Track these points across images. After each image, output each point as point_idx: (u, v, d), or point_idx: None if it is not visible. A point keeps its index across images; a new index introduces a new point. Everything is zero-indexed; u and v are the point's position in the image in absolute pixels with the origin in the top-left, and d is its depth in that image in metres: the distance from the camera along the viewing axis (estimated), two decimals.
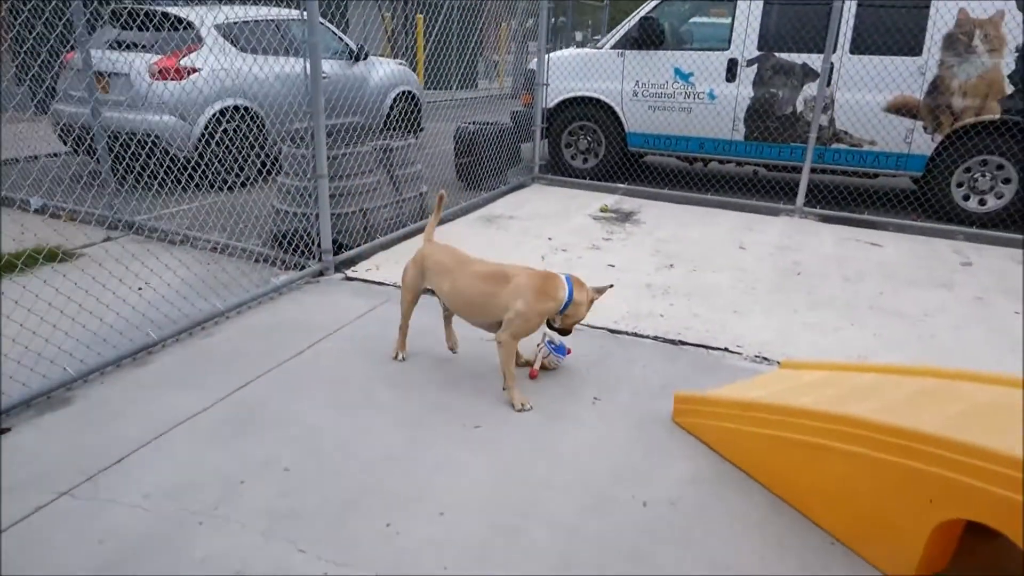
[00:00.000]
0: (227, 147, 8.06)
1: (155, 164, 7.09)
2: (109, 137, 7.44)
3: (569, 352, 4.30)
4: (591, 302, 4.00)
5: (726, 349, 4.63)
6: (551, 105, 9.74)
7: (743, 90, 8.76)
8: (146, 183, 7.43)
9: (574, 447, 3.51)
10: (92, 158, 7.02)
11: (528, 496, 3.14)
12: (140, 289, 4.99)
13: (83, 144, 7.87)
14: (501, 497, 3.12)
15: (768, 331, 4.95)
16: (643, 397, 4.01)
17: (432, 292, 4.13)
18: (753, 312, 5.30)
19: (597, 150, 9.78)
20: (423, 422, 3.68)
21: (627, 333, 4.85)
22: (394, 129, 10.57)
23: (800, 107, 8.57)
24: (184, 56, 7.85)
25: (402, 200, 6.89)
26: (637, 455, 3.46)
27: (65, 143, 8.23)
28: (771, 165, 9.09)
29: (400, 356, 4.27)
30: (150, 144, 7.57)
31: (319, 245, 5.69)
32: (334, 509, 3.01)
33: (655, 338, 4.79)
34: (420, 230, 6.99)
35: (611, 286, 4.17)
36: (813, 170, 8.26)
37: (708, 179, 9.34)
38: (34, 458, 3.27)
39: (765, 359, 4.51)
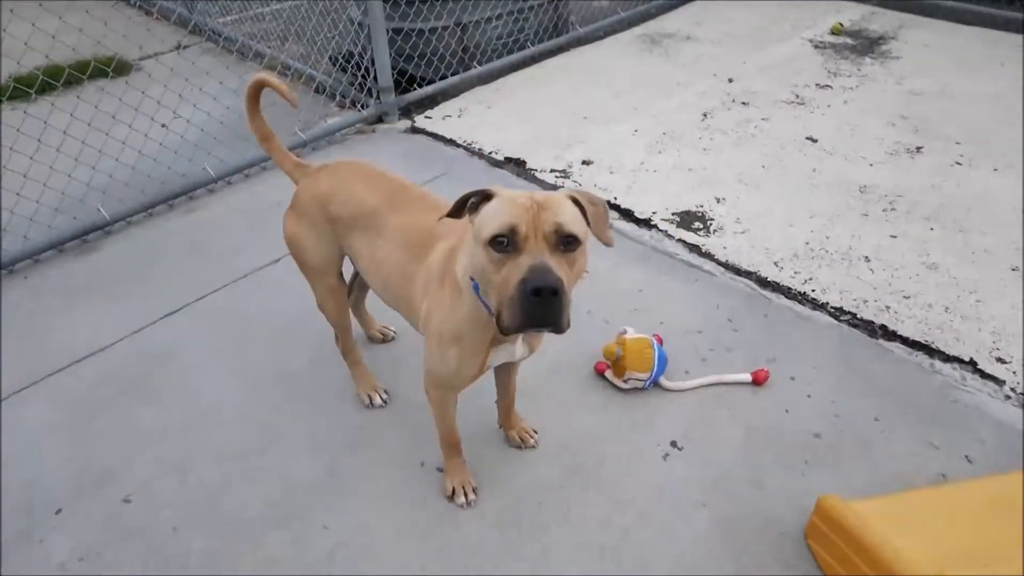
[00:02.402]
0: None
1: None
2: None
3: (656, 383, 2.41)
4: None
5: (972, 364, 2.46)
6: None
7: None
8: None
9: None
10: None
11: None
12: (164, 126, 3.82)
13: None
14: None
15: None
16: (768, 458, 2.16)
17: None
18: None
19: None
20: (351, 457, 2.24)
21: (788, 291, 2.81)
22: None
23: None
24: None
25: (526, 8, 4.83)
26: None
27: None
28: None
29: (378, 399, 2.36)
30: None
31: (375, 78, 4.06)
32: None
33: (837, 312, 2.71)
34: (550, 54, 4.99)
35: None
36: None
37: None
38: None
39: None
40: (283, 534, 1.96)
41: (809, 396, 2.35)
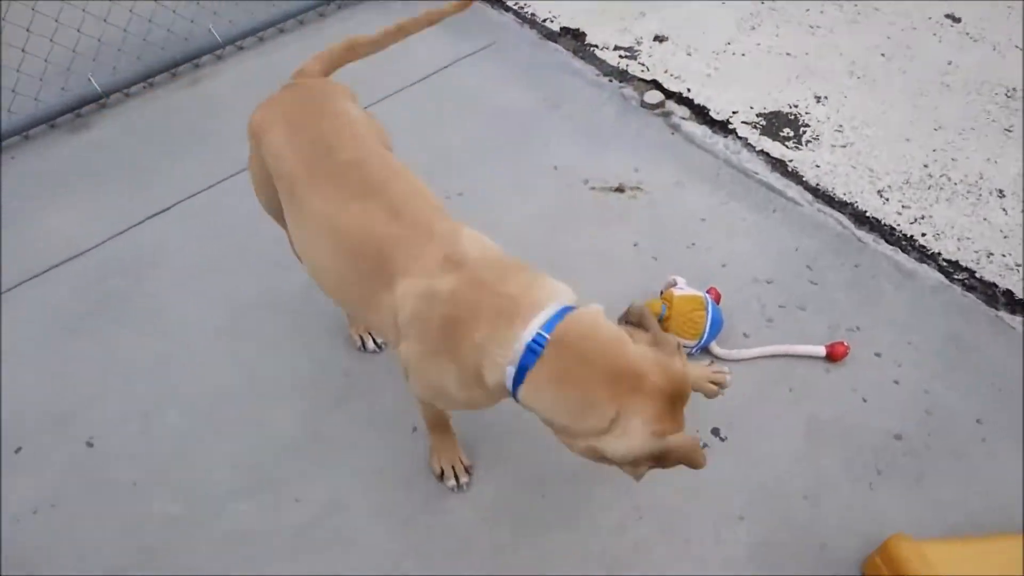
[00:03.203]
0: None
1: None
2: None
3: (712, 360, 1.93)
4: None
5: None
6: None
7: None
8: None
9: None
10: None
11: None
12: None
13: None
14: None
15: None
16: (832, 461, 1.73)
17: None
18: None
19: None
20: (335, 412, 1.91)
21: (891, 233, 2.20)
22: None
23: None
24: None
25: None
26: None
27: None
28: None
29: (371, 342, 1.97)
30: None
31: None
32: None
33: (951, 268, 2.11)
34: None
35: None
36: None
37: None
38: None
39: None
40: (249, 505, 1.72)
41: (896, 382, 1.87)
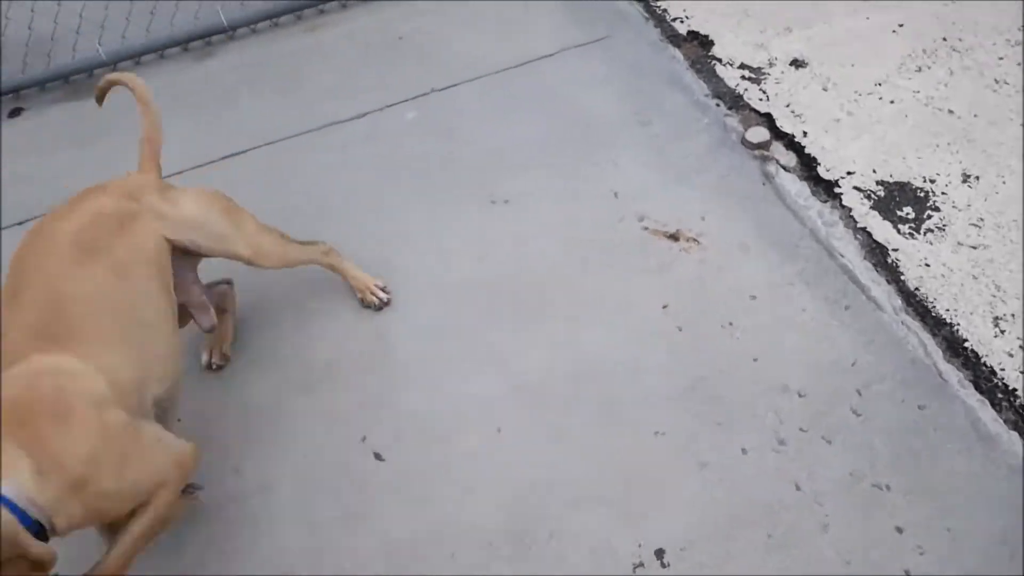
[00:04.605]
0: None
1: None
2: None
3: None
4: None
5: None
6: None
7: None
8: None
9: None
10: None
11: None
12: None
13: None
14: None
15: None
16: None
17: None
18: None
19: None
20: None
21: (987, 379, 1.65)
22: None
23: None
24: None
25: None
26: None
27: None
28: None
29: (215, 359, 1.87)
30: None
31: None
32: None
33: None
34: None
35: None
36: None
37: None
38: None
39: None
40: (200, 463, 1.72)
41: (907, 574, 1.43)
